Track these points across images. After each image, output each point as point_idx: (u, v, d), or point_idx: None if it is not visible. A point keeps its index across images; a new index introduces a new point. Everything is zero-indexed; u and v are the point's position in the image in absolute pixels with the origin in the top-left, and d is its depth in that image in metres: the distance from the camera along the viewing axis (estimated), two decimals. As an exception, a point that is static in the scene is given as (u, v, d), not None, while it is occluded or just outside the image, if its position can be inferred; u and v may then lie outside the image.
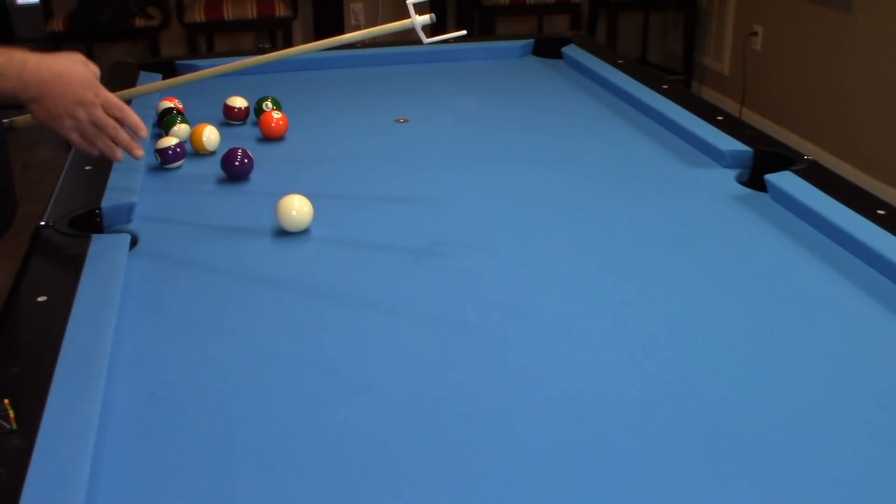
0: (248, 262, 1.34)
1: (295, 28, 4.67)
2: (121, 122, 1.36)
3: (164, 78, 2.18)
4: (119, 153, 1.39)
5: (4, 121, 1.54)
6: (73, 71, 1.31)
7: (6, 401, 0.90)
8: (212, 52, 4.19)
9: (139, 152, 1.41)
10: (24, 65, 1.27)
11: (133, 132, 1.39)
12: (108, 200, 1.45)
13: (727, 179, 1.59)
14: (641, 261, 1.32)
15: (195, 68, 2.27)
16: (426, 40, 1.47)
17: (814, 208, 1.39)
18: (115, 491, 0.86)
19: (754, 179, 1.58)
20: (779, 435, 0.94)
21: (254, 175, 1.65)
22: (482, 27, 4.63)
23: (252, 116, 1.96)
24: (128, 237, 1.35)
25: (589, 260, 1.33)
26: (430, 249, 1.38)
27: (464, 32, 1.62)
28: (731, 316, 1.17)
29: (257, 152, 1.69)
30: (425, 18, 1.44)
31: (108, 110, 1.34)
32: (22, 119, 1.53)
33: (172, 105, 1.90)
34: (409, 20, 1.44)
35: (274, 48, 3.07)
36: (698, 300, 1.22)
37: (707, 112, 1.83)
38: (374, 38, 1.54)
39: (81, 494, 0.82)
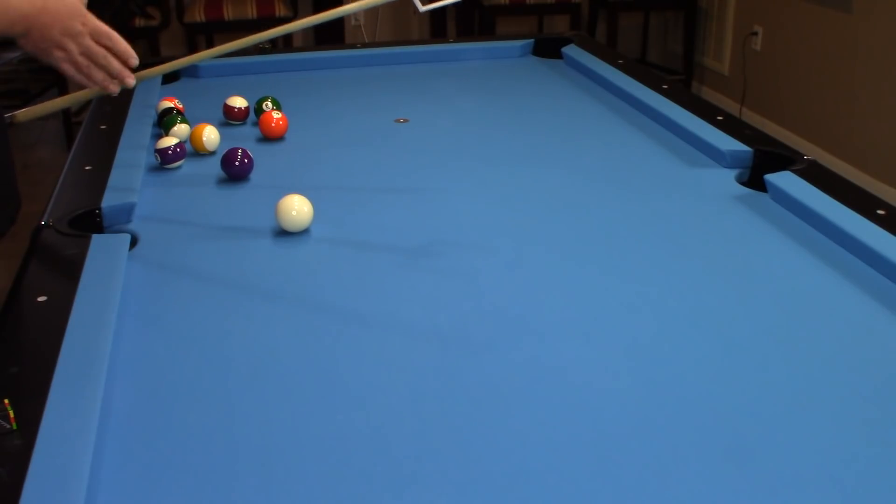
0: (248, 262, 1.34)
1: (295, 28, 4.66)
2: (110, 50, 1.35)
3: (164, 79, 2.19)
4: (114, 86, 1.39)
5: (6, 115, 1.54)
6: (57, 2, 1.30)
7: (6, 401, 0.90)
8: (212, 52, 4.19)
9: (131, 81, 1.40)
10: (8, 3, 1.25)
11: (123, 60, 1.38)
12: (108, 200, 1.45)
13: (727, 179, 1.59)
14: (641, 261, 1.32)
15: (195, 69, 2.28)
16: (421, 8, 1.48)
17: (814, 208, 1.39)
18: (115, 491, 0.86)
19: (754, 179, 1.58)
20: (779, 435, 0.94)
21: (254, 175, 1.65)
22: (482, 27, 4.63)
23: (252, 116, 1.96)
24: (128, 237, 1.35)
25: (588, 260, 1.33)
26: (430, 249, 1.38)
27: (459, 0, 1.62)
28: (731, 316, 1.17)
29: (257, 152, 1.69)
30: None
31: (96, 38, 1.33)
32: (23, 113, 1.53)
33: (172, 105, 1.90)
34: None
35: (274, 48, 3.07)
36: (698, 300, 1.21)
37: (707, 112, 1.83)
38: (370, 8, 1.54)
39: (81, 494, 0.82)
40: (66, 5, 1.31)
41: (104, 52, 1.34)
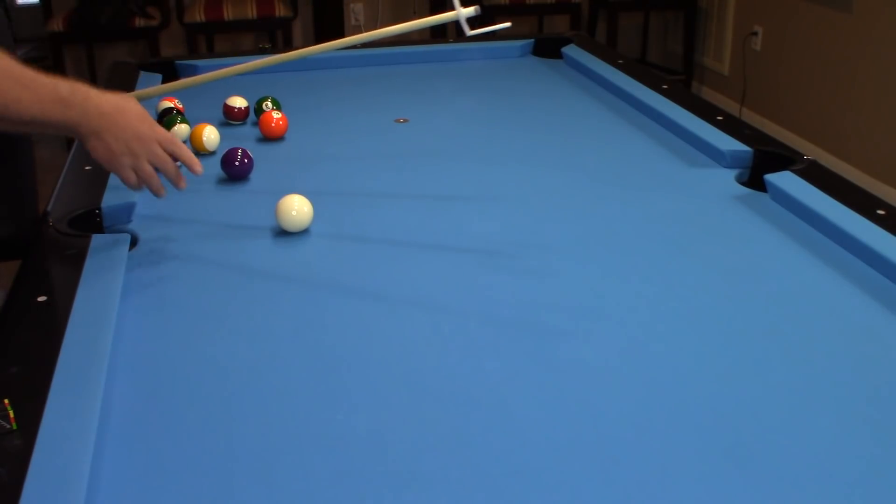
0: (248, 262, 1.34)
1: (295, 28, 4.66)
2: (174, 157, 1.32)
3: (163, 78, 2.18)
4: (164, 190, 1.34)
5: None
6: (130, 106, 1.27)
7: (6, 401, 0.90)
8: (212, 53, 4.19)
9: (183, 184, 1.35)
10: (87, 96, 1.22)
11: (189, 167, 1.34)
12: (108, 200, 1.45)
13: (727, 179, 1.59)
14: (641, 261, 1.32)
15: (195, 68, 2.28)
16: (468, 32, 1.49)
17: (814, 208, 1.39)
18: (115, 491, 0.86)
19: (754, 179, 1.58)
20: (779, 435, 0.94)
21: (254, 175, 1.65)
22: (482, 27, 4.63)
23: (252, 116, 1.96)
24: (128, 237, 1.35)
25: (588, 259, 1.33)
26: (429, 249, 1.38)
27: (509, 24, 1.62)
28: (731, 316, 1.17)
29: (257, 152, 1.69)
30: (469, 11, 1.46)
31: (163, 146, 1.30)
32: None
33: (172, 105, 1.90)
34: (454, 12, 1.46)
35: (274, 48, 3.07)
36: (698, 300, 1.21)
37: (707, 112, 1.83)
38: (414, 31, 1.55)
39: (81, 494, 0.81)
40: (136, 110, 1.28)
41: (170, 159, 1.31)
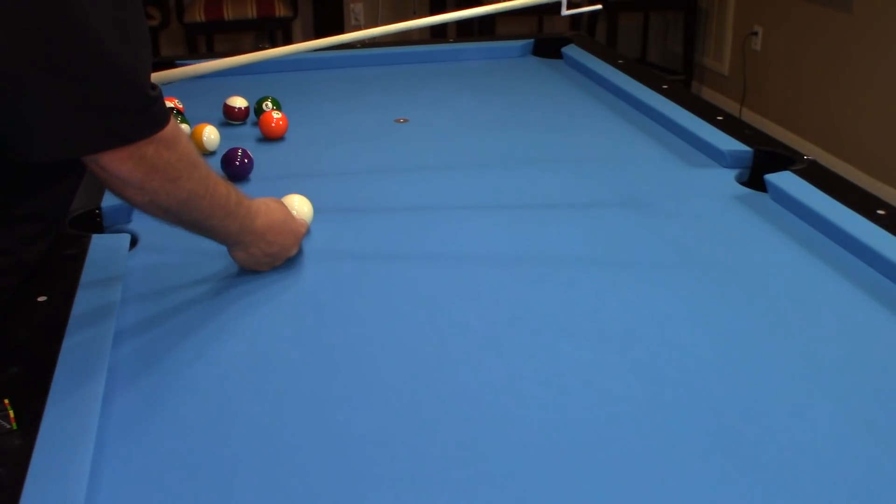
0: (248, 262, 1.34)
1: (295, 28, 4.66)
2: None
3: (163, 78, 2.18)
4: None
5: None
6: (277, 217, 1.27)
7: (6, 401, 0.90)
8: (212, 52, 4.19)
9: None
10: (248, 210, 1.21)
11: None
12: (108, 200, 1.45)
13: (727, 179, 1.59)
14: (641, 260, 1.32)
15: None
16: (565, 12, 1.53)
17: (814, 208, 1.39)
18: (115, 491, 0.86)
19: (754, 179, 1.58)
20: (779, 435, 0.94)
21: (254, 175, 1.65)
22: (482, 27, 4.63)
23: (252, 116, 1.96)
24: (128, 237, 1.35)
25: (588, 260, 1.33)
26: (430, 249, 1.38)
27: (600, 7, 1.65)
28: (731, 316, 1.17)
29: (257, 152, 1.69)
30: None
31: (299, 239, 1.33)
32: None
33: (172, 105, 1.90)
34: None
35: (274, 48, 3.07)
36: (698, 300, 1.21)
37: (707, 112, 1.83)
38: (509, 10, 1.58)
39: (81, 494, 0.82)
40: (284, 216, 1.29)
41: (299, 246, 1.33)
